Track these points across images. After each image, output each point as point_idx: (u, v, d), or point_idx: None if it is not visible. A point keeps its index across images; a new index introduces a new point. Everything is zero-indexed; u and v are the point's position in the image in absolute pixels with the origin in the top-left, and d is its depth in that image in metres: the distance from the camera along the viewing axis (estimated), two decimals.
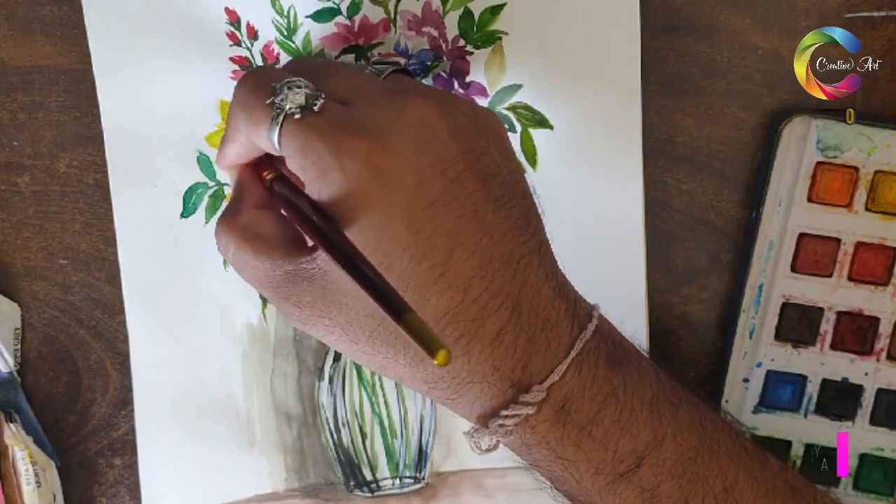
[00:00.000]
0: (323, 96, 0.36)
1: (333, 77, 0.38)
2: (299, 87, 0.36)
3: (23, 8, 0.47)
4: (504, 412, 0.36)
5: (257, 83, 0.38)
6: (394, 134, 0.35)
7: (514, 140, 0.47)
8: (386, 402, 0.49)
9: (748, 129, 0.48)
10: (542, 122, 0.47)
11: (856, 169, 0.47)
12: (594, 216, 0.48)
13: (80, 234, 0.48)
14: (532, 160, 0.47)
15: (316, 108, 0.36)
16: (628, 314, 0.48)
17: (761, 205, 0.47)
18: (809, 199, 0.47)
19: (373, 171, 0.34)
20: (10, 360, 0.48)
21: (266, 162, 0.41)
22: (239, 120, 0.38)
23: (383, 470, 0.50)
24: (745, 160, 0.48)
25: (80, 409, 0.49)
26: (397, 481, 0.50)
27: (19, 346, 0.49)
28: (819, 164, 0.47)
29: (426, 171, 0.35)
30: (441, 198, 0.35)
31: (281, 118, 0.36)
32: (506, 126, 0.47)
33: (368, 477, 0.50)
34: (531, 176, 0.47)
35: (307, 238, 0.38)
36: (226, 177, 0.47)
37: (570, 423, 0.36)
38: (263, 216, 0.39)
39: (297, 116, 0.36)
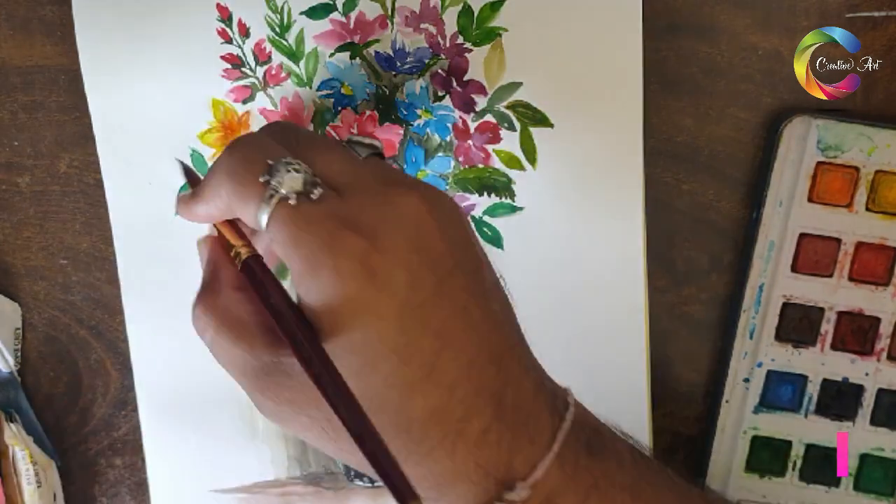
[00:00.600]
0: (320, 183, 0.35)
1: (323, 156, 0.36)
2: (297, 170, 0.34)
3: (23, 8, 0.47)
4: None
5: (251, 156, 0.35)
6: (388, 231, 0.34)
7: (514, 139, 0.47)
8: None
9: (748, 129, 0.48)
10: (542, 121, 0.47)
11: (856, 169, 0.47)
12: (594, 215, 0.48)
13: (81, 234, 0.49)
14: (532, 159, 0.47)
15: (313, 197, 0.34)
16: (628, 314, 0.48)
17: (762, 205, 0.47)
18: (810, 200, 0.47)
19: (367, 273, 0.33)
20: (11, 360, 0.48)
21: (232, 228, 0.38)
22: (223, 187, 0.36)
23: None
24: (746, 160, 0.48)
25: (81, 408, 0.49)
26: None
27: (20, 346, 0.49)
28: (819, 164, 0.47)
29: (418, 270, 0.34)
30: (432, 297, 0.34)
31: (275, 201, 0.34)
32: (505, 125, 0.47)
33: None
34: (531, 175, 0.47)
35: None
36: None
37: None
38: (242, 300, 0.37)
39: (291, 202, 0.34)
